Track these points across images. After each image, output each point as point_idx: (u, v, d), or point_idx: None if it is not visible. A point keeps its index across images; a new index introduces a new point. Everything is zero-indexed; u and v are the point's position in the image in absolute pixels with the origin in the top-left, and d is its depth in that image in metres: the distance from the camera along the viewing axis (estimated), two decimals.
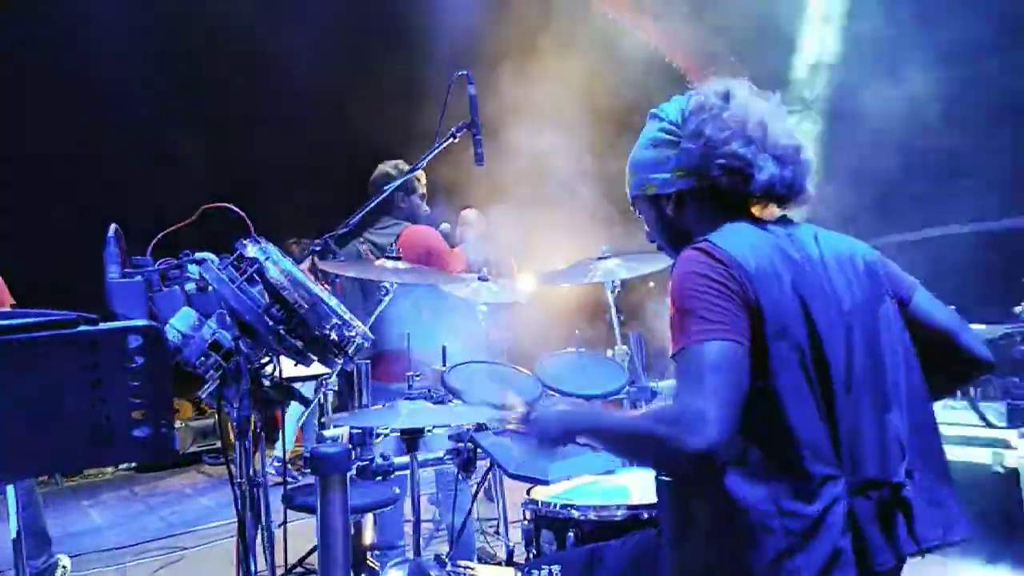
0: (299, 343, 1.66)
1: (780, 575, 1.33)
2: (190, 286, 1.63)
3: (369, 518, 2.90)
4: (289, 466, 5.99)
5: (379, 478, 2.45)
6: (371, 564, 2.88)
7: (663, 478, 1.57)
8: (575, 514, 2.06)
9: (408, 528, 2.48)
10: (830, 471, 1.36)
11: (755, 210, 1.58)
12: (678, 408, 1.30)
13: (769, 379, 1.36)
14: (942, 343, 1.57)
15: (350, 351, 1.75)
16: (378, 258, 3.40)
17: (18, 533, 2.06)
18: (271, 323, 1.60)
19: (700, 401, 1.27)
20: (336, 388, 3.54)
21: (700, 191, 1.54)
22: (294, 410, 5.49)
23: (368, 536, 2.87)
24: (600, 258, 3.21)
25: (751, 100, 1.53)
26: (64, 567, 3.99)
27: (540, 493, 2.22)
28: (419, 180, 3.71)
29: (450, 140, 2.96)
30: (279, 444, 3.78)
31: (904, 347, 1.50)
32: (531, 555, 2.18)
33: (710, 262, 1.39)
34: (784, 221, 1.57)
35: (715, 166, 1.49)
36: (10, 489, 2.16)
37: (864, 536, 1.36)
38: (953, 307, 1.63)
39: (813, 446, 1.35)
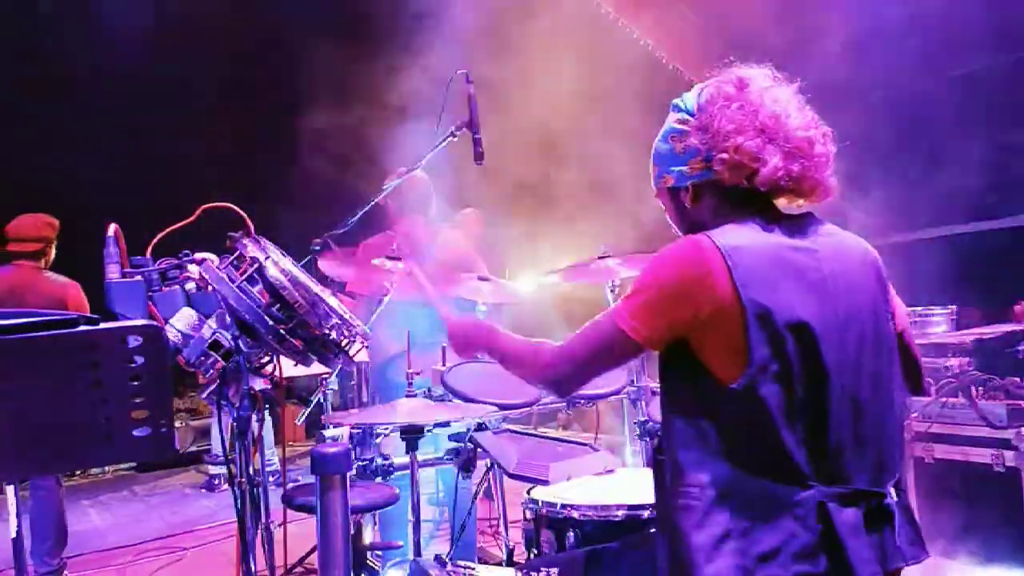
0: (299, 343, 1.65)
1: None
2: (190, 286, 1.63)
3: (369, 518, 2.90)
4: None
5: (379, 478, 2.45)
6: (371, 564, 2.88)
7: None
8: (575, 514, 2.06)
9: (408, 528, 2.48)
10: (815, 481, 1.33)
11: (780, 202, 1.50)
12: (553, 361, 1.51)
13: (752, 388, 1.32)
14: (910, 369, 1.59)
15: (350, 351, 1.75)
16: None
17: (18, 533, 2.05)
18: (271, 323, 1.60)
19: (571, 368, 1.49)
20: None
21: (715, 184, 1.49)
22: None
23: (368, 536, 2.87)
24: (600, 257, 3.21)
25: (768, 91, 1.47)
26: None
27: (540, 493, 2.22)
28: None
29: (449, 139, 2.96)
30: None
31: (895, 358, 1.48)
32: (531, 555, 2.18)
33: (685, 265, 1.37)
34: (806, 217, 1.51)
35: (718, 160, 1.44)
36: (10, 489, 2.15)
37: (846, 547, 1.32)
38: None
39: (798, 456, 1.33)
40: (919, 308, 3.74)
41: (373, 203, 3.08)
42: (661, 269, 1.41)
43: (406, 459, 2.41)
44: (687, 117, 1.53)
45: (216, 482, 6.25)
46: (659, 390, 1.51)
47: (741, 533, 1.33)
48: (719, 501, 1.34)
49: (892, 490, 1.43)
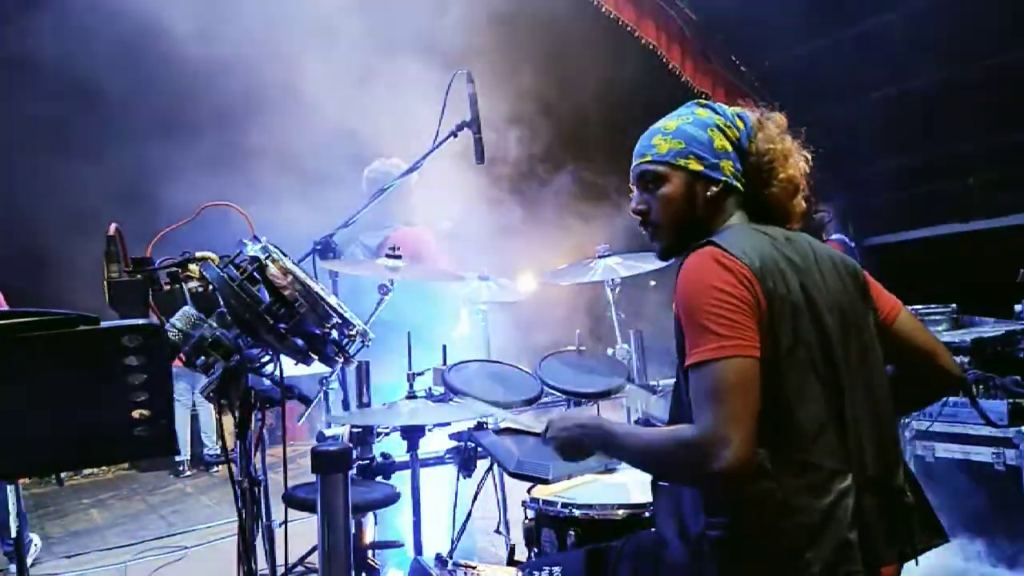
0: (300, 342, 1.65)
1: (792, 570, 1.34)
2: (190, 285, 1.63)
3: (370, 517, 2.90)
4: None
5: (380, 477, 2.45)
6: (371, 563, 2.87)
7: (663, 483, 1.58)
8: (576, 513, 2.06)
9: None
10: (839, 466, 1.38)
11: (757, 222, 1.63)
12: (699, 430, 1.32)
13: (778, 375, 1.38)
14: (923, 363, 1.64)
15: (351, 351, 1.74)
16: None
17: (18, 532, 2.06)
18: (271, 322, 1.59)
19: (722, 424, 1.30)
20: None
21: (741, 194, 1.61)
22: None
23: (368, 535, 2.86)
24: (600, 256, 3.21)
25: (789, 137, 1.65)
26: (36, 545, 3.96)
27: (541, 492, 2.22)
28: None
29: (449, 138, 2.95)
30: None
31: (879, 354, 1.54)
32: (532, 554, 2.18)
33: (719, 271, 1.41)
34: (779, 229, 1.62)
35: (776, 183, 1.59)
36: (10, 489, 2.16)
37: (870, 530, 1.38)
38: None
39: (821, 441, 1.38)
40: (919, 307, 3.75)
41: (373, 202, 3.07)
42: (703, 291, 1.41)
43: (406, 458, 2.41)
44: (732, 126, 1.62)
45: (181, 468, 6.92)
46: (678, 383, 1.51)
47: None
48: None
49: (900, 477, 1.48)
